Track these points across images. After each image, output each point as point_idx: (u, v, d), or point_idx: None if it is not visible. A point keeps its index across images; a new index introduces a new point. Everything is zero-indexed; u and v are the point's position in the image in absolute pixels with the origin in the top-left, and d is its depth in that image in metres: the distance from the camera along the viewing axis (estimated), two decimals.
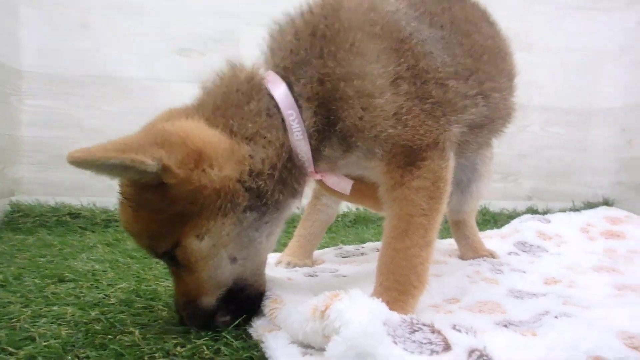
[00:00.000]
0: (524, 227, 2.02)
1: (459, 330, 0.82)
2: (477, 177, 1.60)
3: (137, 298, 1.22)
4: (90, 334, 0.98)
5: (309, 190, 1.20)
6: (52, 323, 1.04)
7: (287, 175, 1.04)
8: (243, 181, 0.98)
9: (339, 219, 2.62)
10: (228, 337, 0.97)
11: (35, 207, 2.39)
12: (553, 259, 1.70)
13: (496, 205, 2.98)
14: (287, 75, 1.07)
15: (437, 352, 0.74)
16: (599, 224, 2.05)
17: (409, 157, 1.08)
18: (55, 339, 0.95)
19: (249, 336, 1.00)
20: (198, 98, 1.08)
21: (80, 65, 2.56)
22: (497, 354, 0.77)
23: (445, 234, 1.85)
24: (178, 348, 0.92)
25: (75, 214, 2.38)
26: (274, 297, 1.06)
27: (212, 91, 1.07)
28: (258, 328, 1.00)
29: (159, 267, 1.53)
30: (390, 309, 0.83)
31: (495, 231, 2.14)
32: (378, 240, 2.09)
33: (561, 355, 0.81)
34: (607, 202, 3.10)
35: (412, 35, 1.10)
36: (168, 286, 1.32)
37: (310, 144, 1.06)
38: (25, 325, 1.02)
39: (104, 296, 1.23)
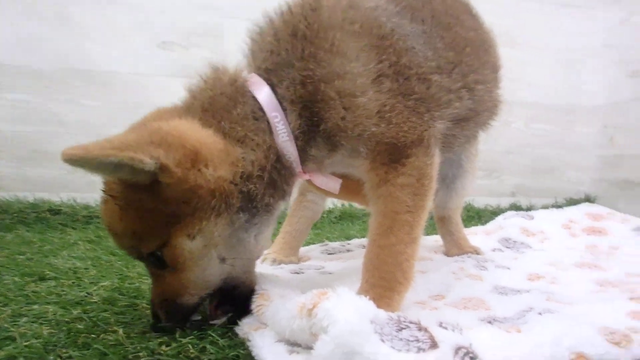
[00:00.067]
0: (508, 224, 2.04)
1: (445, 328, 0.82)
2: (462, 173, 1.60)
3: (120, 296, 1.20)
4: (72, 333, 0.97)
5: (295, 188, 1.19)
6: (32, 322, 1.02)
7: (276, 176, 1.04)
8: (236, 183, 0.98)
9: (324, 215, 2.62)
10: (214, 335, 0.96)
11: (14, 204, 2.34)
12: (536, 255, 1.72)
13: (480, 202, 2.99)
14: (270, 78, 1.06)
15: (424, 350, 0.74)
16: (581, 221, 2.07)
17: (393, 155, 1.08)
18: (36, 338, 0.93)
19: (235, 334, 0.99)
20: (184, 100, 1.07)
21: (60, 58, 2.50)
22: (483, 351, 0.78)
23: (430, 230, 1.85)
24: (163, 347, 0.91)
25: (55, 210, 2.33)
26: (262, 292, 1.05)
27: (198, 94, 1.05)
28: (244, 326, 0.99)
29: (142, 264, 1.50)
30: (376, 305, 0.82)
31: (480, 227, 2.16)
32: (363, 237, 2.09)
33: (545, 352, 0.82)
34: (589, 199, 3.13)
35: (393, 31, 1.09)
36: (151, 284, 1.31)
37: (297, 145, 1.05)
38: (5, 325, 0.99)
39: (86, 294, 1.21)
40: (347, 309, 0.76)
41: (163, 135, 0.91)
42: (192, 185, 0.92)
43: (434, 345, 0.75)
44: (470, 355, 0.75)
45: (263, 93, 1.04)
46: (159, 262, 0.97)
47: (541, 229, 1.99)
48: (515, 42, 2.97)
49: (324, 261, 1.62)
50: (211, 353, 0.90)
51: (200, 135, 0.96)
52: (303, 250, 1.73)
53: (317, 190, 1.30)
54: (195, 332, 0.97)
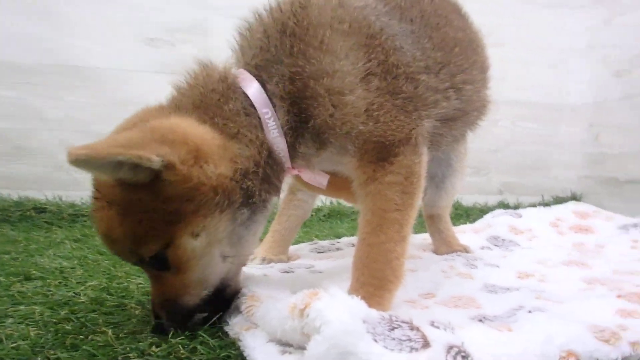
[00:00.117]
0: (497, 222, 2.05)
1: (437, 327, 0.82)
2: (451, 172, 1.61)
3: (108, 296, 1.19)
4: (60, 334, 0.96)
5: (284, 186, 1.19)
6: (19, 323, 1.01)
7: (270, 172, 1.04)
8: (236, 180, 0.98)
9: (313, 213, 2.61)
10: (204, 335, 0.95)
11: None
12: (525, 253, 1.73)
13: (468, 200, 3.01)
14: (259, 74, 1.07)
15: (416, 349, 0.74)
16: (568, 219, 2.09)
17: (381, 153, 1.08)
18: (23, 340, 0.92)
19: (226, 334, 0.99)
20: (172, 98, 1.06)
21: (43, 53, 2.47)
22: (475, 350, 0.78)
23: (419, 228, 1.85)
24: (153, 348, 0.90)
25: (40, 209, 2.30)
26: (251, 294, 1.04)
27: (188, 91, 1.05)
28: (234, 326, 0.99)
29: (130, 263, 1.49)
30: (367, 304, 0.82)
31: (469, 226, 2.16)
32: (352, 235, 2.10)
33: (536, 350, 0.82)
34: (575, 197, 3.16)
35: (382, 30, 1.10)
36: (140, 283, 1.30)
37: (286, 141, 1.06)
38: None
39: (73, 294, 1.19)
40: (339, 309, 0.75)
41: (164, 132, 0.90)
42: (195, 182, 0.91)
43: (426, 344, 0.75)
44: (462, 354, 0.75)
45: (253, 89, 1.04)
46: (162, 264, 0.96)
47: (529, 227, 2.00)
48: (502, 41, 2.97)
49: (313, 260, 1.61)
50: (202, 354, 0.90)
51: (198, 131, 0.95)
52: (292, 248, 1.72)
53: (305, 187, 1.30)
54: (185, 332, 0.97)
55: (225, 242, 1.00)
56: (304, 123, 1.06)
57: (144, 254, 0.94)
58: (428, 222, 1.75)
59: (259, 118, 1.03)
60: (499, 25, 2.97)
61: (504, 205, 2.99)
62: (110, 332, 0.96)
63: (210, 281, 1.01)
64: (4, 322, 1.01)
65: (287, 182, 1.16)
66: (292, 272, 1.44)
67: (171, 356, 0.89)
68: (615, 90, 3.02)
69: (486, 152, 3.12)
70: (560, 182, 3.27)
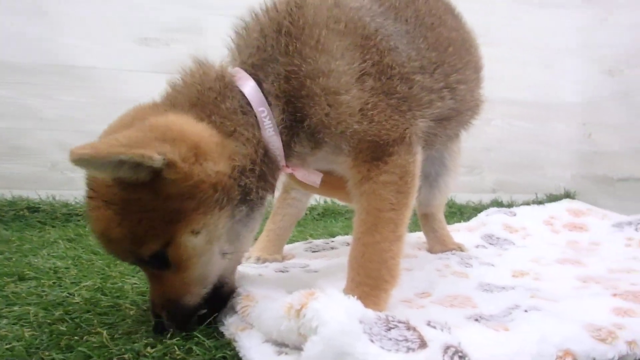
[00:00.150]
0: (491, 220, 2.05)
1: (434, 327, 0.82)
2: (445, 171, 1.61)
3: (103, 296, 1.19)
4: (55, 335, 0.95)
5: (278, 184, 1.20)
6: (13, 324, 1.01)
7: (266, 170, 1.05)
8: (234, 177, 0.98)
9: (307, 212, 2.61)
10: (200, 336, 0.95)
11: None
12: (519, 251, 1.73)
13: (462, 198, 3.01)
14: (256, 73, 1.07)
15: (413, 350, 0.74)
16: (562, 217, 2.10)
17: (375, 152, 1.08)
18: (18, 341, 0.92)
19: (221, 335, 0.98)
20: (167, 95, 1.06)
21: (37, 53, 2.46)
22: (472, 350, 0.78)
23: (413, 227, 1.86)
24: (148, 348, 0.90)
25: (33, 208, 2.29)
26: (246, 294, 1.04)
27: (184, 89, 1.04)
28: (230, 326, 0.99)
29: (125, 263, 1.49)
30: (363, 304, 0.82)
31: (463, 224, 2.17)
32: (347, 234, 2.10)
33: (533, 349, 0.82)
34: (568, 195, 3.17)
35: (377, 31, 1.11)
36: (135, 283, 1.29)
37: (282, 140, 1.06)
38: None
39: (67, 295, 1.19)
40: (335, 309, 0.75)
41: (163, 130, 0.89)
42: (196, 180, 0.91)
43: (423, 344, 0.75)
44: (460, 354, 0.75)
45: (249, 87, 1.05)
46: (162, 263, 0.96)
47: (523, 225, 2.00)
48: (495, 41, 2.98)
49: (308, 259, 1.61)
50: (197, 354, 0.89)
51: (197, 129, 0.95)
52: (287, 248, 1.72)
53: (300, 186, 1.30)
54: (181, 332, 0.96)
55: (224, 239, 1.00)
56: (299, 122, 1.07)
57: (143, 253, 0.93)
58: (422, 221, 1.75)
59: (255, 117, 1.04)
60: (492, 24, 2.98)
61: (497, 204, 3.00)
62: (105, 332, 0.95)
63: (210, 278, 1.02)
64: None
65: (281, 181, 1.16)
66: (287, 271, 1.44)
67: (166, 357, 0.88)
68: (608, 89, 3.03)
69: (480, 150, 3.13)
70: (553, 180, 3.28)
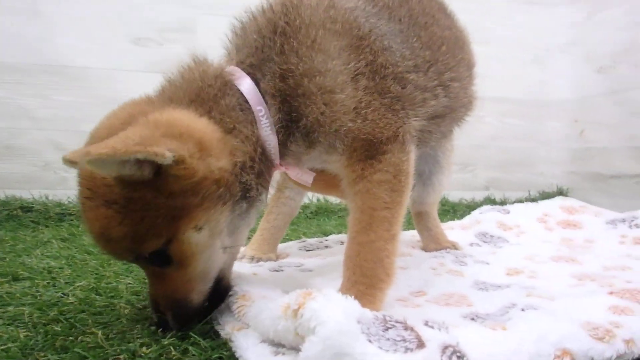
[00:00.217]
0: (485, 218, 2.05)
1: (432, 327, 0.82)
2: (438, 169, 1.62)
3: (97, 296, 1.18)
4: (50, 336, 0.94)
5: (273, 182, 1.20)
6: (8, 325, 1.00)
7: (263, 167, 1.05)
8: (236, 173, 0.98)
9: (300, 210, 2.60)
10: (195, 336, 0.95)
11: None
12: (514, 249, 1.73)
13: (455, 196, 3.02)
14: (254, 72, 1.07)
15: (411, 350, 0.74)
16: (555, 214, 2.10)
17: (369, 151, 1.09)
18: (13, 342, 0.91)
19: (217, 335, 0.98)
20: (164, 90, 1.05)
21: (32, 53, 2.45)
22: (469, 349, 0.78)
23: (406, 225, 1.86)
24: (144, 348, 0.89)
25: (27, 208, 2.28)
26: (242, 293, 1.04)
27: (184, 84, 1.04)
28: (225, 326, 0.98)
29: (119, 263, 1.48)
30: (359, 303, 0.82)
31: (457, 222, 2.17)
32: (340, 232, 2.10)
33: (531, 348, 0.82)
34: (561, 192, 3.18)
35: (371, 31, 1.11)
36: (129, 283, 1.29)
37: (277, 139, 1.07)
38: None
39: (62, 295, 1.18)
40: (333, 309, 0.75)
41: (168, 126, 0.88)
42: (200, 176, 0.90)
43: (421, 344, 0.75)
44: (458, 354, 0.75)
45: (247, 86, 1.05)
46: (163, 259, 0.95)
47: (517, 223, 2.01)
48: (486, 39, 2.99)
49: (302, 258, 1.61)
50: (193, 355, 0.89)
51: (199, 124, 0.94)
52: (281, 247, 1.72)
53: (295, 184, 1.30)
54: (176, 332, 0.96)
55: (225, 233, 1.01)
56: (295, 122, 1.07)
57: (144, 251, 0.92)
58: (416, 219, 1.75)
59: (253, 115, 1.04)
60: (483, 23, 3.00)
61: (490, 201, 3.01)
62: (100, 332, 0.95)
63: (212, 273, 1.02)
64: None
65: (275, 179, 1.16)
66: (282, 270, 1.43)
67: (162, 357, 0.88)
68: (599, 86, 3.05)
69: (472, 148, 3.13)
70: (546, 177, 3.30)
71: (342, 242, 1.83)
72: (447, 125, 1.38)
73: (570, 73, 3.23)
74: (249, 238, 1.63)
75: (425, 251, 1.70)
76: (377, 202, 1.07)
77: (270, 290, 1.08)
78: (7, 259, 1.54)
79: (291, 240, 1.91)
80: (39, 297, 1.16)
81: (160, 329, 0.97)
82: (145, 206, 0.88)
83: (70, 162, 1.03)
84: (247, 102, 1.04)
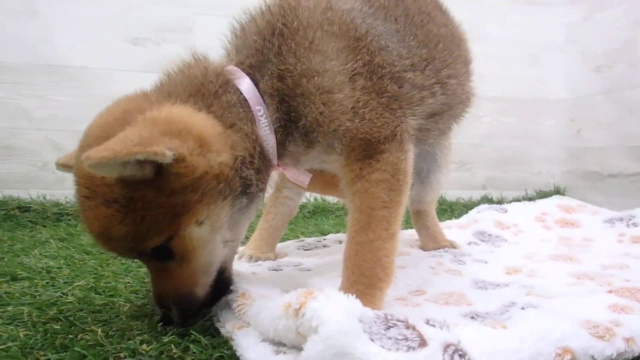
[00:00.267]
0: (482, 217, 2.05)
1: (433, 325, 0.82)
2: (436, 168, 1.62)
3: (96, 295, 1.18)
4: (49, 335, 0.94)
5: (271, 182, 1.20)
6: (8, 324, 1.00)
7: (261, 165, 1.05)
8: (236, 168, 0.98)
9: (298, 210, 2.60)
10: (195, 333, 0.94)
11: None
12: (512, 248, 1.74)
13: (452, 195, 3.03)
14: (253, 73, 1.08)
15: (413, 349, 0.74)
16: (553, 213, 2.11)
17: (367, 150, 1.09)
18: (12, 341, 0.91)
19: (218, 332, 0.98)
20: (162, 84, 1.05)
21: (29, 53, 2.45)
22: (471, 348, 0.78)
23: (405, 224, 1.86)
24: (144, 346, 0.89)
25: (24, 208, 2.28)
26: (242, 292, 1.04)
27: (184, 80, 1.04)
28: (226, 324, 0.98)
29: (117, 262, 1.48)
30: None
31: (455, 221, 2.17)
32: (338, 231, 2.10)
33: (531, 347, 0.82)
34: (558, 191, 3.19)
35: (367, 32, 1.12)
36: (128, 282, 1.29)
37: (276, 139, 1.07)
38: None
39: (61, 294, 1.18)
40: (335, 309, 0.75)
41: (167, 124, 0.88)
42: (201, 172, 0.90)
43: (423, 343, 0.75)
44: (459, 352, 0.75)
45: (246, 85, 1.05)
46: (166, 254, 0.95)
47: (515, 221, 2.01)
48: (483, 38, 3.00)
49: (301, 257, 1.61)
50: (194, 353, 0.88)
51: (198, 119, 0.94)
52: (279, 246, 1.72)
53: (294, 184, 1.30)
54: (177, 330, 0.96)
55: (226, 227, 1.01)
56: (294, 122, 1.08)
57: (145, 248, 0.92)
58: (414, 218, 1.75)
59: (252, 114, 1.04)
60: (480, 22, 3.01)
61: (487, 200, 3.02)
62: (99, 330, 0.94)
63: (214, 266, 1.02)
64: None
65: (273, 179, 1.16)
66: (281, 270, 1.43)
67: (163, 355, 0.87)
68: (595, 86, 3.06)
69: (469, 147, 3.14)
70: (543, 176, 3.31)
71: (340, 242, 1.83)
72: (445, 122, 1.38)
73: (567, 72, 3.25)
74: (247, 238, 1.63)
75: (424, 250, 1.71)
76: (375, 201, 1.08)
77: (270, 290, 1.08)
78: (6, 259, 1.54)
79: (289, 239, 1.91)
80: (38, 297, 1.16)
81: (162, 324, 0.98)
82: (146, 205, 0.88)
83: (63, 166, 1.03)
84: (246, 101, 1.04)
